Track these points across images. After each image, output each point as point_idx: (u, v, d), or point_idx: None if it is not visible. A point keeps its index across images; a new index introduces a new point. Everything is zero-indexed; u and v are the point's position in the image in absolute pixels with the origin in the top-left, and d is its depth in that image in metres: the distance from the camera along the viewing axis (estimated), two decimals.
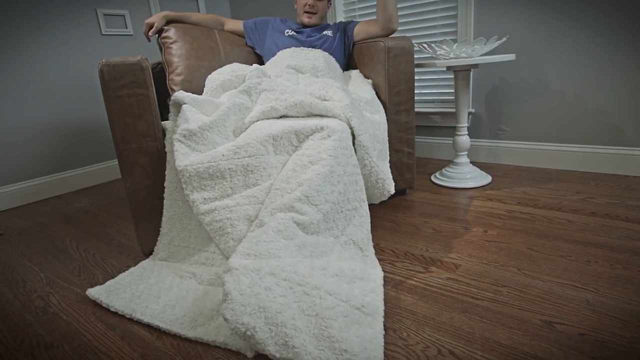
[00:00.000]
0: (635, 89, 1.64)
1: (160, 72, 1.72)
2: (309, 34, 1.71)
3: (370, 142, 1.25)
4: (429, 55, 2.06)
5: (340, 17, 2.44)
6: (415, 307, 0.96)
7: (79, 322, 1.03)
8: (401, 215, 1.53)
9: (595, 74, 1.71)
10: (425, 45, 1.68)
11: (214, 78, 1.51)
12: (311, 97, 1.24)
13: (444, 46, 1.60)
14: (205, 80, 1.58)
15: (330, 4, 1.79)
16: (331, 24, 1.78)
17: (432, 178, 1.89)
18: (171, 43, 1.63)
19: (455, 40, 2.03)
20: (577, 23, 1.69)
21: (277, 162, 1.14)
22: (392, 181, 1.35)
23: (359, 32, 1.66)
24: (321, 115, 1.25)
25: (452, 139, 2.18)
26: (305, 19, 1.70)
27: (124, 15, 2.43)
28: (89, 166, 2.38)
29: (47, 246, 1.55)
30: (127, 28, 2.45)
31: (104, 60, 1.14)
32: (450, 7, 2.01)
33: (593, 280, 1.01)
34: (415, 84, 2.24)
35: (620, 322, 0.85)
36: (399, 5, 2.18)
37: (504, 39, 1.61)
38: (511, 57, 1.59)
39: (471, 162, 2.09)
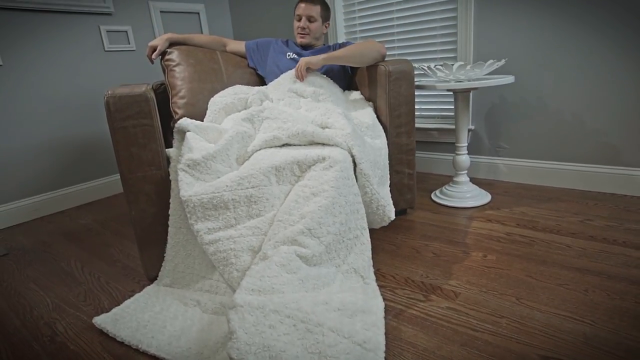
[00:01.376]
0: (632, 111, 1.66)
1: (163, 92, 1.74)
2: (309, 56, 1.73)
3: (371, 170, 1.27)
4: (429, 76, 2.08)
5: (341, 33, 2.46)
6: (415, 339, 0.98)
7: (86, 352, 1.05)
8: (402, 237, 1.55)
9: (593, 95, 1.73)
10: (426, 68, 1.70)
11: (217, 101, 1.53)
12: (313, 126, 1.26)
13: (444, 69, 1.62)
14: (208, 103, 1.61)
15: (328, 25, 1.82)
16: (331, 44, 1.80)
17: (433, 196, 1.91)
18: (174, 66, 1.65)
19: (455, 59, 2.06)
20: (576, 45, 1.71)
21: (279, 192, 1.16)
22: (393, 207, 1.37)
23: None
24: (323, 144, 1.27)
25: (452, 155, 2.20)
26: (299, 39, 1.77)
27: (126, 31, 2.45)
28: (90, 181, 2.40)
29: (52, 268, 1.57)
30: (129, 44, 2.47)
31: (109, 92, 1.16)
32: (450, 25, 2.03)
33: (590, 312, 1.03)
34: (416, 99, 2.26)
35: (616, 359, 0.87)
36: (400, 30, 2.20)
37: (503, 61, 1.63)
38: (510, 79, 1.61)
39: (471, 179, 2.12)
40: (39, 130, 2.16)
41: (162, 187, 1.26)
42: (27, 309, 1.29)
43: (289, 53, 1.76)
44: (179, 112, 1.60)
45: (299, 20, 1.73)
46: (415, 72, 1.91)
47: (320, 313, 0.91)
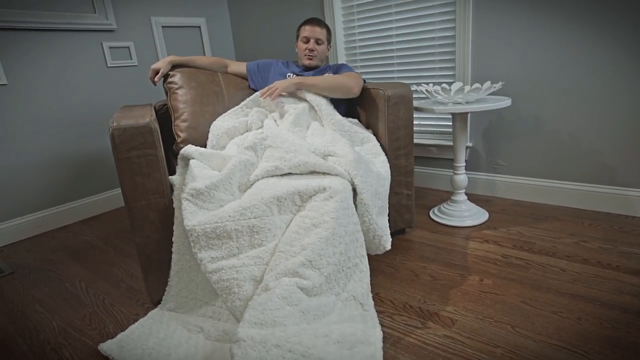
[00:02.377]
0: (628, 132, 1.69)
1: (166, 112, 1.77)
2: (309, 76, 1.76)
3: (371, 200, 1.30)
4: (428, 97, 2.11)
5: (342, 54, 2.48)
6: None
7: None
8: (400, 258, 1.58)
9: (589, 115, 1.76)
10: (424, 90, 1.73)
11: (219, 125, 1.57)
12: (315, 158, 1.29)
13: (442, 92, 1.65)
14: (210, 126, 1.64)
15: (330, 47, 1.85)
16: (331, 64, 1.84)
17: (431, 214, 1.94)
18: (177, 89, 1.68)
19: (453, 77, 2.08)
20: (574, 67, 1.74)
21: (281, 222, 1.19)
22: (390, 238, 1.39)
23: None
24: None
25: (450, 171, 2.23)
26: (306, 61, 1.79)
27: (128, 47, 2.48)
28: (92, 196, 2.43)
29: (57, 288, 1.60)
30: (132, 59, 2.50)
31: (114, 124, 1.19)
32: (448, 43, 2.06)
33: (583, 342, 1.05)
34: (414, 115, 2.29)
35: None
36: (399, 47, 2.23)
37: (500, 84, 1.66)
38: (507, 103, 1.64)
39: (469, 195, 2.14)
40: (42, 147, 2.19)
41: (166, 215, 1.29)
42: (33, 332, 1.32)
43: (289, 74, 1.79)
44: (182, 135, 1.63)
45: (306, 42, 1.76)
46: (414, 93, 1.94)
47: (321, 347, 0.94)
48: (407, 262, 1.55)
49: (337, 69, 1.77)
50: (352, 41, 2.43)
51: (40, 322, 1.37)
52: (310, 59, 1.78)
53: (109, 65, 2.40)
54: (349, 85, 1.59)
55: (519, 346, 1.06)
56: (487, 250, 1.57)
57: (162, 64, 1.69)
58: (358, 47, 2.41)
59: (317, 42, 1.76)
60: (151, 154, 1.24)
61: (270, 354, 0.89)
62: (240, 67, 1.87)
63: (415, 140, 2.27)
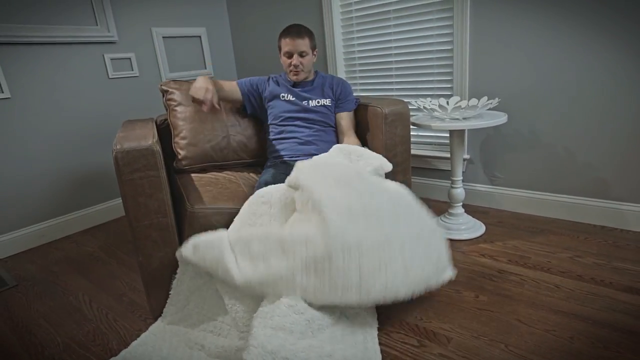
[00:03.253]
0: (623, 147, 1.71)
1: (167, 127, 1.79)
2: (305, 96, 1.70)
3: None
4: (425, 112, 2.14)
5: (341, 71, 2.51)
6: None
7: None
8: None
9: (585, 130, 1.78)
10: (422, 106, 1.75)
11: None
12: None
13: (439, 110, 1.67)
14: (208, 144, 1.67)
15: (316, 53, 1.73)
16: (324, 75, 1.77)
17: None
18: (176, 105, 1.71)
19: (451, 89, 2.11)
20: (569, 82, 1.77)
21: None
22: None
23: (343, 123, 1.72)
24: None
25: (448, 181, 2.26)
26: (292, 77, 1.70)
27: (129, 58, 2.50)
28: (94, 206, 2.46)
29: (61, 302, 1.63)
30: (133, 70, 2.53)
31: (118, 147, 1.22)
32: (446, 57, 2.09)
33: None
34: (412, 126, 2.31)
35: None
36: (398, 59, 2.25)
37: (497, 100, 1.69)
38: (503, 120, 1.67)
39: (467, 205, 2.17)
40: (45, 159, 2.22)
41: (168, 233, 1.32)
42: (38, 348, 1.35)
43: (282, 94, 1.72)
44: (182, 153, 1.66)
45: (289, 57, 1.64)
46: (412, 106, 1.96)
47: None
48: None
49: (336, 86, 1.73)
50: (351, 52, 2.45)
51: (45, 338, 1.40)
52: (296, 75, 1.68)
53: (110, 76, 2.43)
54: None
55: None
56: (484, 265, 1.60)
57: (210, 95, 1.52)
58: (357, 57, 2.44)
59: (301, 54, 1.63)
60: (154, 175, 1.26)
61: None
62: (231, 86, 1.74)
63: (413, 152, 2.30)
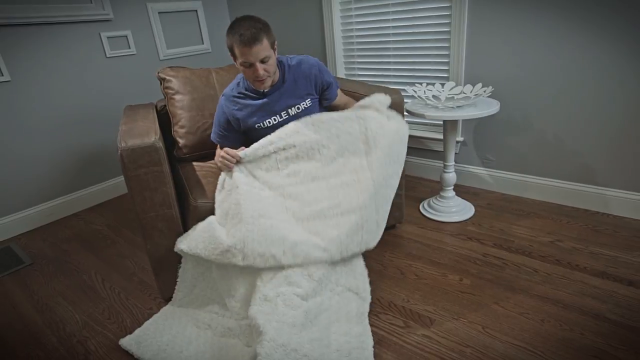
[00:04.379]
0: (608, 136, 1.76)
1: (167, 113, 1.83)
2: (282, 106, 1.49)
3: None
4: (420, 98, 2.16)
5: (340, 48, 2.49)
6: None
7: None
8: (389, 255, 1.71)
9: (574, 118, 1.83)
10: (416, 94, 1.79)
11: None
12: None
13: (433, 99, 1.71)
14: (205, 132, 1.72)
15: (276, 48, 1.41)
16: (286, 61, 1.50)
17: (421, 208, 2.06)
18: (173, 94, 1.73)
19: (447, 78, 2.12)
20: (562, 71, 1.79)
21: None
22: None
23: (338, 103, 1.64)
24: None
25: (441, 162, 2.32)
26: (260, 87, 1.43)
27: (126, 36, 2.49)
28: (100, 184, 2.54)
29: (75, 281, 1.75)
30: (130, 48, 2.52)
31: (122, 145, 1.28)
32: (444, 45, 2.08)
33: (543, 343, 1.21)
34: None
35: None
36: (395, 46, 2.24)
37: (490, 88, 1.72)
38: (495, 109, 1.71)
39: (460, 186, 2.25)
40: (50, 139, 2.27)
41: (173, 223, 1.41)
42: (59, 325, 1.49)
43: (257, 124, 1.51)
44: (181, 141, 1.71)
45: (249, 66, 1.34)
46: (407, 92, 1.97)
47: (326, 355, 1.12)
48: (395, 259, 1.69)
49: (312, 75, 1.50)
50: (349, 36, 2.44)
51: (64, 316, 1.54)
52: (262, 83, 1.40)
53: (108, 55, 2.43)
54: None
55: (486, 346, 1.21)
56: (470, 249, 1.70)
57: (236, 156, 1.43)
58: (356, 42, 2.42)
59: (263, 60, 1.33)
60: (157, 170, 1.33)
61: (289, 357, 1.06)
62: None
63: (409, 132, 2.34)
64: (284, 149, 1.43)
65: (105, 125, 2.49)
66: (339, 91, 1.65)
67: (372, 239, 1.39)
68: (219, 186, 1.45)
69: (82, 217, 2.37)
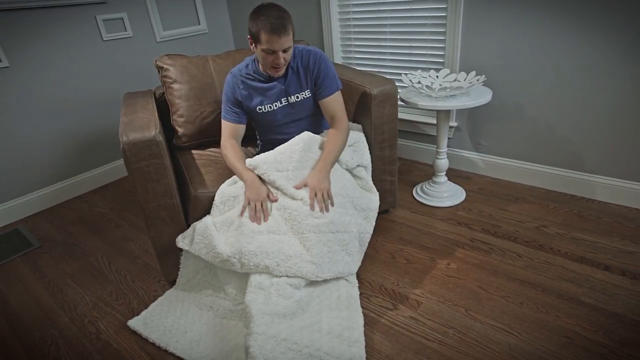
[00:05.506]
0: (597, 125, 1.81)
1: (166, 101, 1.87)
2: (282, 96, 1.54)
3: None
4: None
5: (337, 30, 2.48)
6: (381, 347, 1.27)
7: (127, 350, 1.35)
8: (381, 239, 1.80)
9: (565, 107, 1.86)
10: (411, 84, 1.81)
11: (225, 192, 1.48)
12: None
13: (427, 90, 1.74)
14: (206, 119, 1.76)
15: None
16: (297, 53, 1.53)
17: (414, 193, 2.13)
18: (171, 83, 1.76)
19: (443, 64, 2.14)
20: (553, 61, 1.81)
21: None
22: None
23: (326, 108, 1.57)
24: None
25: (435, 145, 2.37)
26: (274, 73, 1.47)
27: (122, 18, 2.47)
28: (101, 167, 2.60)
29: (83, 263, 1.84)
30: (126, 30, 2.51)
31: (124, 139, 1.33)
32: (439, 32, 2.08)
33: (519, 324, 1.31)
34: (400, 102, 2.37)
35: None
36: (392, 34, 2.24)
37: (483, 78, 1.75)
38: (488, 99, 1.74)
39: (453, 170, 2.31)
40: (50, 123, 2.31)
41: (175, 212, 1.48)
42: (71, 306, 1.59)
43: (258, 107, 1.56)
44: (180, 130, 1.76)
45: (271, 53, 1.38)
46: (401, 81, 1.99)
47: (317, 339, 1.20)
48: (387, 243, 1.77)
49: (313, 65, 1.52)
50: (347, 20, 2.43)
51: (75, 297, 1.63)
52: (278, 71, 1.46)
53: (104, 38, 2.42)
54: (344, 138, 1.53)
55: (467, 327, 1.31)
56: (459, 234, 1.78)
57: (259, 197, 1.42)
58: (352, 25, 2.42)
59: (285, 50, 1.39)
60: (158, 162, 1.39)
61: (280, 347, 1.15)
62: (239, 129, 1.59)
63: (403, 116, 2.38)
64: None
65: (104, 108, 2.51)
66: (332, 97, 1.54)
67: (355, 264, 1.46)
68: (230, 180, 1.50)
69: (85, 200, 2.44)
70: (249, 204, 1.41)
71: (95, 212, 2.28)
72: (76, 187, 2.49)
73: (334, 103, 1.56)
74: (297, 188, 1.41)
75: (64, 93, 2.33)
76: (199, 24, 2.88)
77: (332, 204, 1.40)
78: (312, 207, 1.36)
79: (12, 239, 2.08)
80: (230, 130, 1.57)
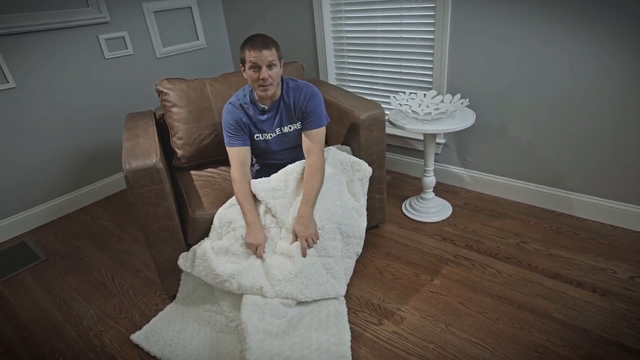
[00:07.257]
0: (576, 145, 1.91)
1: (165, 122, 1.96)
2: (276, 126, 1.66)
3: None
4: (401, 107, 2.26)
5: (330, 48, 2.58)
6: None
7: None
8: (370, 255, 1.90)
9: (545, 127, 1.96)
10: (399, 104, 1.91)
11: (222, 214, 1.58)
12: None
13: (412, 112, 1.84)
14: (202, 142, 1.85)
15: (283, 66, 1.59)
16: (289, 82, 1.65)
17: (403, 208, 2.23)
18: (171, 107, 1.85)
19: (431, 83, 2.23)
20: (537, 84, 1.91)
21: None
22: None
23: (305, 140, 1.65)
24: None
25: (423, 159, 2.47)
26: (261, 92, 1.53)
27: (123, 37, 2.56)
28: (103, 180, 2.70)
29: (88, 277, 1.94)
30: (127, 48, 2.60)
31: (127, 166, 1.42)
32: (428, 45, 2.18)
33: (494, 339, 1.41)
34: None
35: None
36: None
37: (467, 100, 1.85)
38: (471, 122, 1.84)
39: (440, 184, 2.41)
40: (54, 140, 2.40)
41: (175, 233, 1.58)
42: (77, 319, 1.69)
43: (257, 135, 1.68)
44: (179, 152, 1.85)
45: (256, 69, 1.47)
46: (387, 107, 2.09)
47: (307, 355, 1.31)
48: (375, 259, 1.87)
49: (304, 100, 1.62)
50: (340, 37, 2.52)
51: (81, 310, 1.73)
52: (265, 90, 1.51)
53: (106, 57, 2.52)
54: (321, 176, 1.58)
55: (447, 342, 1.41)
56: (443, 250, 1.88)
57: (256, 242, 1.52)
58: (346, 44, 2.51)
59: (269, 66, 1.47)
60: (159, 188, 1.49)
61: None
62: (240, 155, 1.63)
63: (393, 132, 2.48)
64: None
65: (106, 123, 2.61)
66: (313, 131, 1.62)
67: (341, 286, 1.57)
68: (227, 204, 1.61)
69: (88, 212, 2.54)
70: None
71: (98, 225, 2.38)
72: (79, 199, 2.59)
73: (313, 137, 1.63)
74: (291, 243, 1.53)
75: (67, 110, 2.42)
76: (198, 39, 2.97)
77: (316, 241, 1.52)
78: (304, 255, 1.48)
79: (19, 252, 2.18)
80: (238, 156, 1.62)
